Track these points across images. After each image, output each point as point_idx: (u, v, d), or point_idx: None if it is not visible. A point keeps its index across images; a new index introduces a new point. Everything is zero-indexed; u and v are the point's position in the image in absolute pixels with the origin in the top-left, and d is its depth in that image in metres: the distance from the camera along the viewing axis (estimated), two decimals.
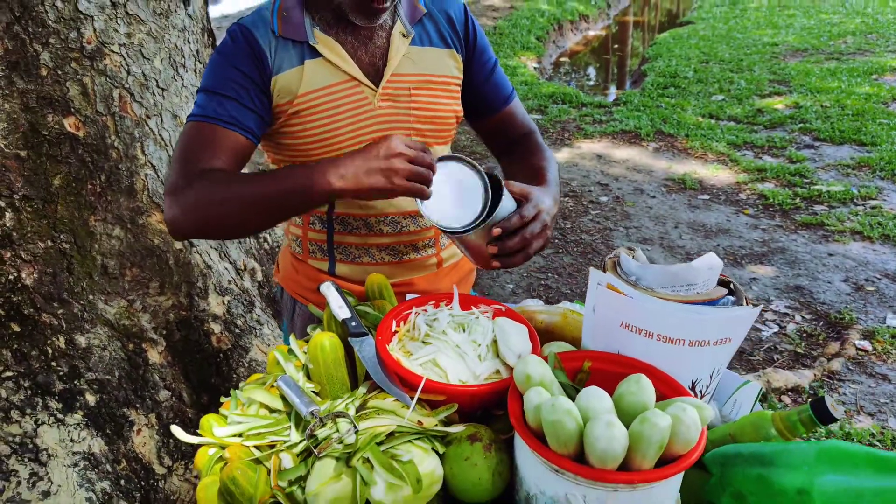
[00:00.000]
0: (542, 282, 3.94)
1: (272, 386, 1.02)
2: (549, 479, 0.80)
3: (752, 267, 3.99)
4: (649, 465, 0.76)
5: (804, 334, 3.38)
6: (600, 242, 4.33)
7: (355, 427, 0.88)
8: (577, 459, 0.78)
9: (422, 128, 1.27)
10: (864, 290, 3.73)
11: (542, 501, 0.82)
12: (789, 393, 2.95)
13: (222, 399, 1.04)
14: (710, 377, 0.95)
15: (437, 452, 0.87)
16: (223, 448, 0.94)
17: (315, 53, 1.19)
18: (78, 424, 1.99)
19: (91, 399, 2.05)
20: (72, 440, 1.96)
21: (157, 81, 2.09)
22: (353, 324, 1.04)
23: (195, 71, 2.26)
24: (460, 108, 1.31)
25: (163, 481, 2.11)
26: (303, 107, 1.18)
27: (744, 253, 4.14)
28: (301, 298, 1.36)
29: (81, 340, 2.07)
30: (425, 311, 1.09)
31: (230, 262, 2.39)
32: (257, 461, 0.90)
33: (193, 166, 1.11)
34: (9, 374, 1.94)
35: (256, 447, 0.93)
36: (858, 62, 8.08)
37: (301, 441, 0.92)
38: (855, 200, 4.79)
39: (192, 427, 2.24)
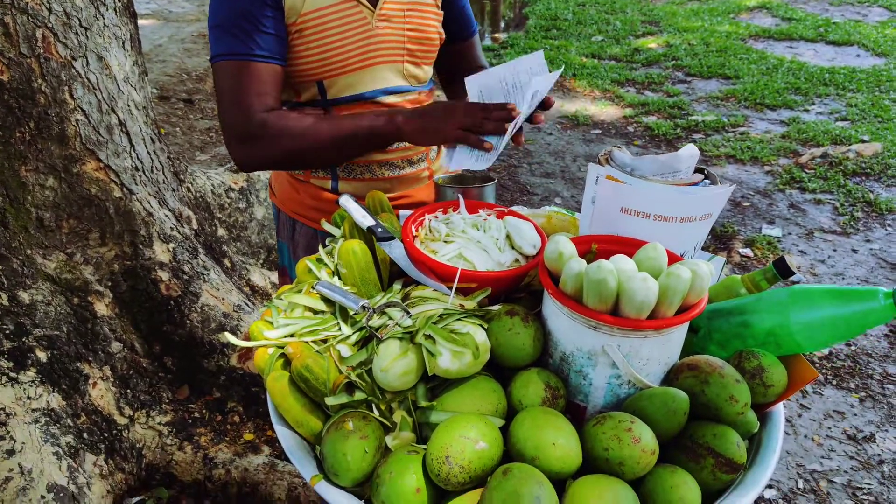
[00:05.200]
0: None
1: (310, 291, 1.09)
2: (586, 336, 0.95)
3: None
4: (672, 313, 0.93)
5: None
6: (507, 179, 4.53)
7: (408, 312, 0.99)
8: (612, 315, 0.93)
9: (413, 48, 1.34)
10: (742, 206, 4.18)
11: (579, 357, 0.97)
12: None
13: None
14: (694, 249, 1.12)
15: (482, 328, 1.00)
16: (280, 348, 1.01)
17: None
18: (32, 381, 1.94)
19: (42, 355, 1.99)
20: (28, 397, 1.92)
21: (79, 20, 1.99)
22: (380, 229, 1.13)
23: (115, 10, 2.16)
24: (442, 30, 1.39)
25: (126, 431, 2.10)
26: (306, 25, 1.22)
27: None
28: (301, 218, 1.41)
29: (24, 296, 2.00)
30: (436, 217, 1.20)
31: (169, 210, 2.35)
32: (318, 353, 0.99)
33: (250, 107, 1.20)
34: None
35: (313, 342, 1.01)
36: (717, 2, 8.71)
37: (354, 332, 1.01)
38: (726, 128, 5.28)
39: (146, 377, 2.23)
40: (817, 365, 2.86)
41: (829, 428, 2.55)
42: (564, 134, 5.23)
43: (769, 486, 2.31)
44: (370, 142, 1.24)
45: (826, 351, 2.95)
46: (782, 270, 1.09)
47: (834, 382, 2.77)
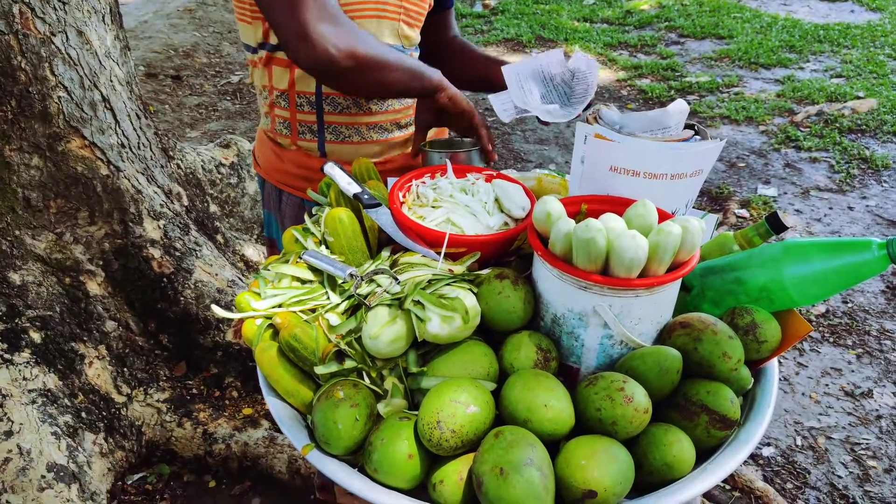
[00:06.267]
0: None
1: (297, 261, 1.08)
2: (576, 297, 0.94)
3: None
4: (663, 271, 0.91)
5: None
6: (501, 147, 4.49)
7: (396, 279, 0.97)
8: (602, 274, 0.92)
9: (409, 7, 1.32)
10: (737, 167, 4.15)
11: (570, 318, 0.96)
12: None
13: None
14: (686, 206, 1.11)
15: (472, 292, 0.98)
16: (268, 319, 1.00)
17: None
18: (27, 362, 1.94)
19: (36, 336, 1.98)
20: (24, 378, 1.91)
21: None
22: (366, 196, 1.11)
23: None
24: None
25: (124, 409, 2.10)
26: None
27: None
28: (287, 187, 1.39)
29: (15, 278, 1.99)
30: (424, 182, 1.18)
31: (158, 187, 2.32)
32: (306, 322, 0.98)
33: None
34: None
35: (301, 312, 1.00)
36: None
37: (343, 301, 1.00)
38: (720, 89, 5.23)
39: (143, 355, 2.22)
40: (814, 323, 2.86)
41: (827, 385, 2.56)
42: None
43: (767, 444, 2.32)
44: (410, 81, 1.18)
45: (823, 308, 2.95)
46: (775, 225, 1.08)
47: (831, 340, 2.78)
